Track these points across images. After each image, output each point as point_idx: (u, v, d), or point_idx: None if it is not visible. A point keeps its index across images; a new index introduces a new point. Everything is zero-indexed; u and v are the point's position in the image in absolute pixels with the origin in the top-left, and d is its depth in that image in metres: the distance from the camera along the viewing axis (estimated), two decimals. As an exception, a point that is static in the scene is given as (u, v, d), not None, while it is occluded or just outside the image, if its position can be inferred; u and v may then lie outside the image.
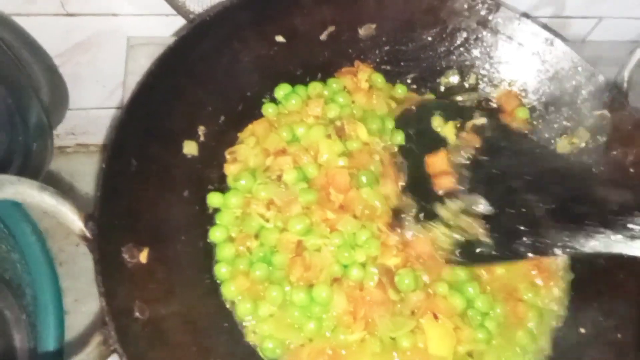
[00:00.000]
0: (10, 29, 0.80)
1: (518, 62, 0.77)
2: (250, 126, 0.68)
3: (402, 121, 0.72)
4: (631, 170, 0.70)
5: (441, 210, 0.64)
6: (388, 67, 0.78)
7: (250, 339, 0.59)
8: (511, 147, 0.69)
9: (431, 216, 0.64)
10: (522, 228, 0.60)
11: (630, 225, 0.53)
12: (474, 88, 0.79)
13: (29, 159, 0.86)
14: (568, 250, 0.56)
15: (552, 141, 0.75)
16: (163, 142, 0.61)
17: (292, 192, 0.63)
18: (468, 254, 0.62)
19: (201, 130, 0.65)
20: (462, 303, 0.62)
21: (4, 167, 0.82)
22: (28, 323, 0.82)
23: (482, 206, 0.62)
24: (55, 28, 0.83)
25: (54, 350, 0.73)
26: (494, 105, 0.78)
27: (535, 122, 0.76)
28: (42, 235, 0.87)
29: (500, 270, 0.66)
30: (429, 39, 0.77)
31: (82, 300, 0.97)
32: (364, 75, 0.74)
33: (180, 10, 0.77)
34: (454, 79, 0.79)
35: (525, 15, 0.78)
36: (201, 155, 0.64)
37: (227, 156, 0.66)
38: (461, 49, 0.77)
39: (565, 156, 0.72)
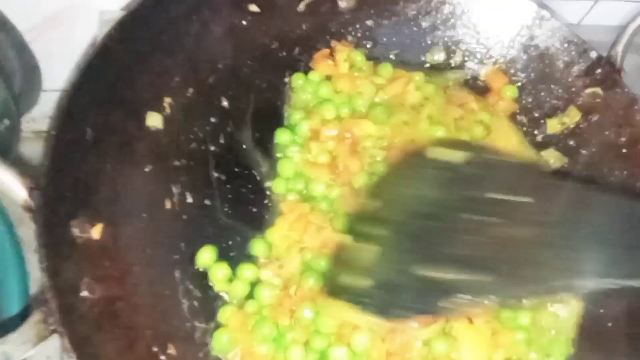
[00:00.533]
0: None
1: (506, 38, 0.73)
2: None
3: None
4: (624, 151, 0.66)
5: None
6: (369, 45, 0.74)
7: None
8: None
9: None
10: None
11: None
12: (460, 66, 0.75)
13: (-6, 142, 0.82)
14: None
15: (542, 121, 0.71)
16: (124, 113, 0.57)
17: None
18: None
19: (167, 102, 0.61)
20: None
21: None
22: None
23: None
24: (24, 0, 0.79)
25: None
26: (481, 84, 0.74)
27: (524, 101, 0.72)
28: (8, 219, 0.83)
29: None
30: (413, 12, 0.73)
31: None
32: (342, 56, 0.70)
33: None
34: (439, 56, 0.75)
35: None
36: (166, 129, 0.60)
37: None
38: (447, 23, 0.74)
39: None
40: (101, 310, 0.47)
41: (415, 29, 0.74)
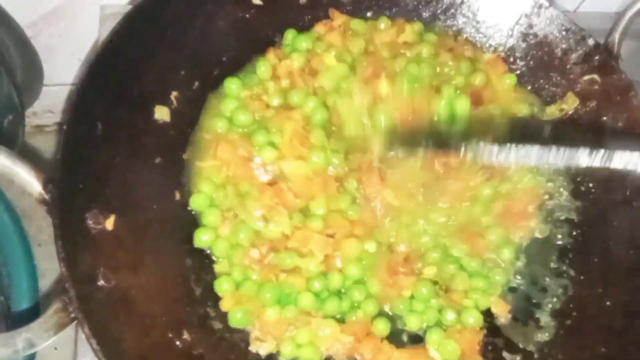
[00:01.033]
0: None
1: (505, 27, 0.74)
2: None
3: None
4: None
5: None
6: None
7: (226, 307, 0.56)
8: None
9: None
10: None
11: None
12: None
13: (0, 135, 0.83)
14: None
15: (541, 108, 0.73)
16: (133, 107, 0.58)
17: None
18: None
19: (174, 95, 0.62)
20: None
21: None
22: (5, 305, 0.79)
23: None
24: (24, -5, 0.79)
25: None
26: (481, 71, 0.75)
27: (523, 89, 0.74)
28: (16, 213, 0.84)
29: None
30: (414, 2, 0.74)
31: (62, 282, 0.94)
32: (338, 21, 0.71)
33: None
34: (440, 44, 0.76)
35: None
36: (174, 122, 0.62)
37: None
38: (447, 13, 0.75)
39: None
40: (117, 298, 0.49)
41: (415, 19, 0.75)
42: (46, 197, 0.47)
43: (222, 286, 0.57)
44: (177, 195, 0.60)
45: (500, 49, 0.75)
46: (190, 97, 0.64)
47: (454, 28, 0.75)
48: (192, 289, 0.56)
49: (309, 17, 0.72)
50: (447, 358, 0.58)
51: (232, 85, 0.65)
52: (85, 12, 0.82)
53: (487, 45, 0.75)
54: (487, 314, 0.62)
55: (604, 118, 0.69)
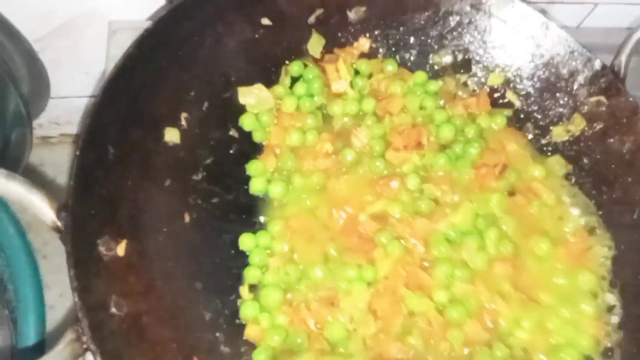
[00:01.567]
0: (-16, 13, 0.77)
1: (512, 47, 0.74)
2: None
3: None
4: (627, 157, 0.68)
5: None
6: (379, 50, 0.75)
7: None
8: None
9: None
10: None
11: None
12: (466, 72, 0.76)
13: (7, 149, 0.83)
14: None
15: (548, 129, 0.73)
16: (143, 129, 0.58)
17: None
18: None
19: (184, 116, 0.63)
20: None
21: (-20, 157, 0.79)
22: (10, 319, 0.79)
23: None
24: (34, 11, 0.80)
25: (33, 346, 0.70)
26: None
27: (530, 109, 0.74)
28: (21, 228, 0.84)
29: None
30: (421, 22, 0.75)
31: (67, 295, 0.93)
32: (343, 66, 0.71)
33: (162, -8, 0.74)
34: (446, 59, 0.76)
35: (520, -2, 0.75)
36: (183, 143, 0.62)
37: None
38: (454, 33, 0.75)
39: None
40: (129, 325, 0.49)
41: (423, 37, 0.76)
42: (59, 224, 0.47)
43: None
44: (187, 217, 0.61)
45: (507, 69, 0.75)
46: (199, 117, 0.64)
47: (461, 47, 0.76)
48: (202, 314, 0.56)
49: (317, 36, 0.72)
50: None
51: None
52: (94, 27, 0.82)
53: (494, 65, 0.75)
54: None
55: (611, 140, 0.69)
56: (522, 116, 0.74)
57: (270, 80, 0.70)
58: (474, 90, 0.76)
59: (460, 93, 0.75)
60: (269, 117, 0.68)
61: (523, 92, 0.74)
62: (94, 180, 0.52)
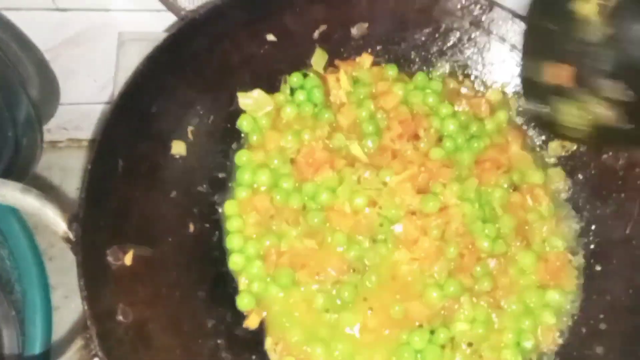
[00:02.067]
0: (-1, 24, 0.79)
1: (511, 64, 0.76)
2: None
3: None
4: (621, 174, 0.70)
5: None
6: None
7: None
8: None
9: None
10: None
11: None
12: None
13: (18, 154, 0.85)
14: None
15: (545, 144, 0.75)
16: (151, 143, 0.61)
17: None
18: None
19: (190, 130, 0.65)
20: None
21: (-8, 163, 0.81)
22: (17, 320, 0.82)
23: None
24: (46, 23, 0.82)
25: (40, 350, 0.73)
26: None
27: (526, 126, 0.76)
28: (30, 230, 0.86)
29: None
30: (422, 38, 0.76)
31: (72, 296, 0.96)
32: (344, 77, 0.73)
33: (172, 6, 0.76)
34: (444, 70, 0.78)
35: (519, 15, 0.77)
36: (189, 156, 0.64)
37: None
38: (454, 49, 0.77)
39: None
40: (135, 333, 0.51)
41: (423, 53, 0.77)
42: (70, 235, 0.49)
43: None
44: (191, 227, 0.63)
45: (506, 85, 0.77)
46: (205, 131, 0.66)
47: (461, 63, 0.77)
48: (204, 321, 0.58)
49: (321, 50, 0.74)
50: None
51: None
52: (104, 38, 0.85)
53: (492, 81, 0.77)
54: None
55: (605, 156, 0.71)
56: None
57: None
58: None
59: (463, 90, 0.77)
60: (267, 121, 0.69)
61: (521, 109, 0.76)
62: (104, 193, 0.54)
